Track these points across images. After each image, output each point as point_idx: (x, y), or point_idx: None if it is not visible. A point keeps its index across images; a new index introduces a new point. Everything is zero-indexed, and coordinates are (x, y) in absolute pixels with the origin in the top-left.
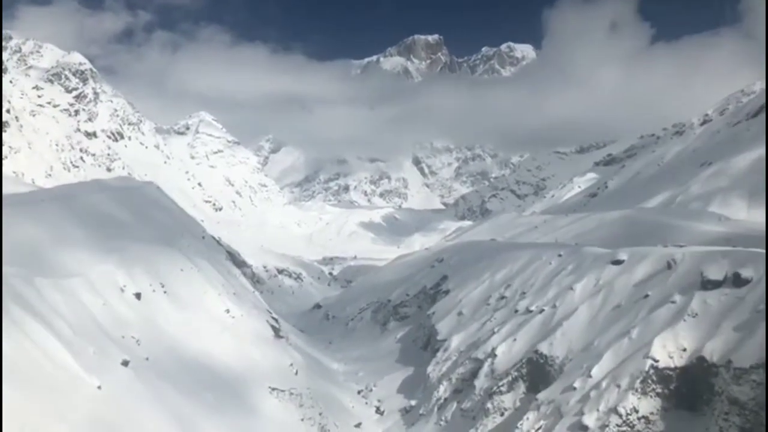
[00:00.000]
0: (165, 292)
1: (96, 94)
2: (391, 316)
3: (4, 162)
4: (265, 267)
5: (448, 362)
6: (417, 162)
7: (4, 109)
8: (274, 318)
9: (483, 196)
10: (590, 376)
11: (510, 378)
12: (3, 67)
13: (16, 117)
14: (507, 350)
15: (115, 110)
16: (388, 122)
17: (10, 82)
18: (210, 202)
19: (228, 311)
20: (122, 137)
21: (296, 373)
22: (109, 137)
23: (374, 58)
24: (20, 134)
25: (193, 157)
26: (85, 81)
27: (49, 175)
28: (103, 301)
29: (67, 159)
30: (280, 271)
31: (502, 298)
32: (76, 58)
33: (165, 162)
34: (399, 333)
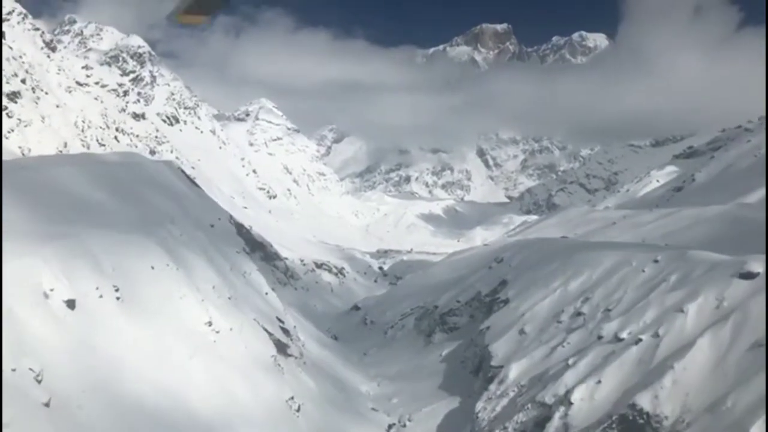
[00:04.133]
0: (119, 297)
1: (153, 77)
2: (437, 326)
3: (10, 136)
4: (302, 261)
5: (504, 399)
6: (481, 153)
7: (18, 79)
8: (284, 329)
9: (550, 189)
10: None
11: None
12: (52, 46)
13: (33, 88)
14: (587, 396)
15: (172, 94)
16: (453, 111)
17: (48, 56)
18: (264, 189)
19: (210, 324)
20: (177, 121)
21: (297, 410)
22: (164, 121)
23: (440, 47)
24: (34, 107)
25: (251, 144)
26: (142, 64)
27: (61, 152)
28: None
29: (93, 137)
30: (319, 265)
31: (578, 314)
32: (135, 41)
33: (220, 148)
34: (445, 349)
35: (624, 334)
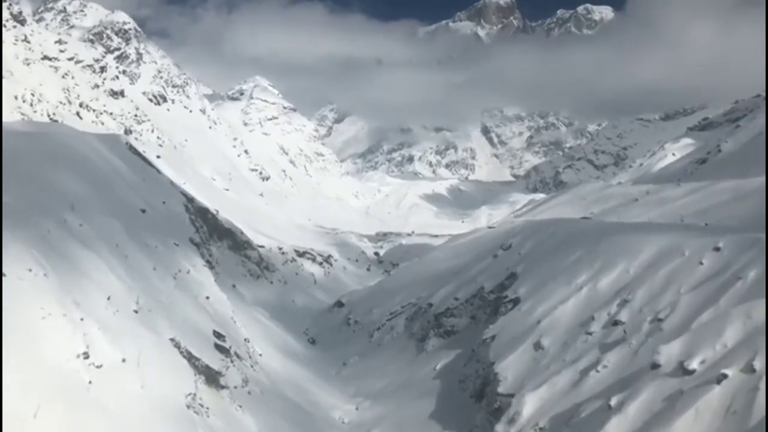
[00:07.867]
0: None
1: (139, 54)
2: (431, 329)
3: None
4: (280, 249)
5: None
6: (486, 131)
7: None
8: (222, 348)
9: (557, 166)
10: None
11: None
12: (21, 19)
13: None
14: None
15: (159, 72)
16: (456, 88)
17: (4, 26)
18: (256, 170)
19: (87, 356)
20: (165, 100)
21: None
22: (150, 100)
23: (443, 23)
24: None
25: (246, 124)
26: (128, 41)
27: None
28: None
29: (44, 111)
30: (301, 254)
31: (615, 323)
32: (120, 17)
33: (210, 127)
34: (441, 360)
35: (694, 364)
